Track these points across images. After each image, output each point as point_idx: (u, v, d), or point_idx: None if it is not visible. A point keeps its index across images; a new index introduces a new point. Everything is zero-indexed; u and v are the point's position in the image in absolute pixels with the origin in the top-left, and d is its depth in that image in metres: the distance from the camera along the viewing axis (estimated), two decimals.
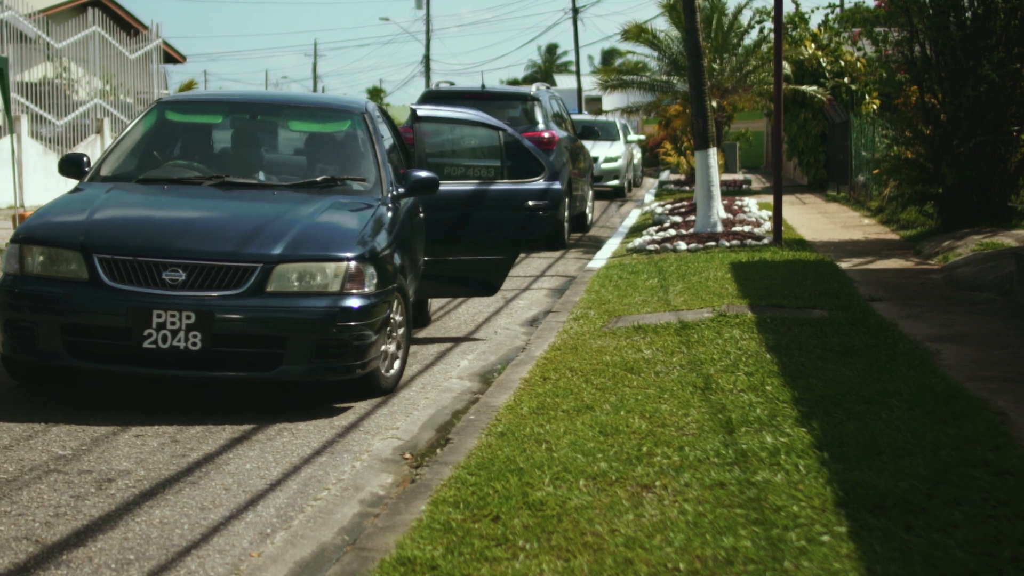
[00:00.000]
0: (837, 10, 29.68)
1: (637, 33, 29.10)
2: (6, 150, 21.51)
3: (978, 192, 14.71)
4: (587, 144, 22.24)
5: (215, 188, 7.63)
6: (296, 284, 6.67)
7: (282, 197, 7.53)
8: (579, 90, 59.64)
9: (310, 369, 6.65)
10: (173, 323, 6.45)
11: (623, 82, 30.32)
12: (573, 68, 68.54)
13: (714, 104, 25.61)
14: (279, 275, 6.63)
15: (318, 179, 7.78)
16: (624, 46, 52.55)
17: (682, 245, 14.51)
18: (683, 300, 10.04)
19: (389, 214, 7.61)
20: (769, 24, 27.83)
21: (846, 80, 27.15)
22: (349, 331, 6.65)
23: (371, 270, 6.85)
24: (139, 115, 8.59)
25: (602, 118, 34.50)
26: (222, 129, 8.61)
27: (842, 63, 27.50)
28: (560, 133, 16.91)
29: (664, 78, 29.59)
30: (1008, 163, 14.57)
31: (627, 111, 32.57)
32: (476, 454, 5.57)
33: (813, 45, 27.87)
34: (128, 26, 30.39)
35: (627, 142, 29.91)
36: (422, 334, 9.58)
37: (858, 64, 26.95)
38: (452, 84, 19.83)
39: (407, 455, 6.10)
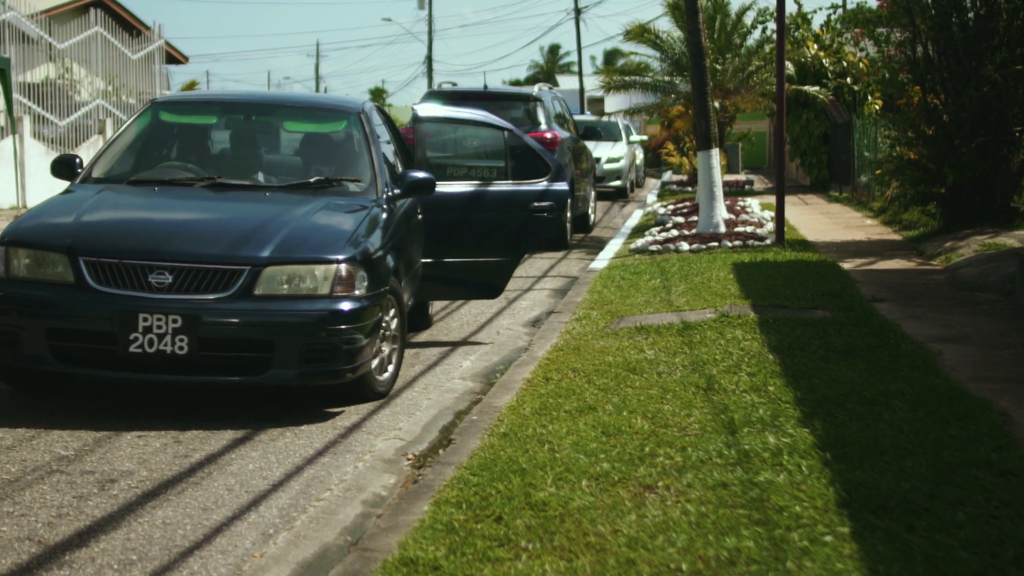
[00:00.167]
0: (839, 11, 29.71)
1: (640, 33, 29.12)
2: (8, 151, 21.53)
3: (981, 193, 14.71)
4: (590, 145, 22.22)
5: (207, 189, 7.54)
6: (285, 287, 6.56)
7: (274, 198, 7.44)
8: (581, 91, 59.62)
9: (299, 374, 6.55)
10: (159, 327, 6.35)
11: (625, 83, 30.32)
12: (575, 69, 68.56)
13: (717, 105, 25.61)
14: (267, 278, 6.53)
15: (311, 180, 7.68)
16: (627, 47, 52.64)
17: (684, 246, 14.51)
18: (685, 301, 10.04)
19: (384, 215, 7.51)
20: (772, 25, 27.87)
21: (848, 80, 27.16)
22: (339, 335, 6.54)
23: (362, 272, 6.75)
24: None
25: (604, 119, 34.51)
26: (216, 130, 8.49)
27: (844, 63, 27.50)
28: (563, 134, 16.92)
29: (667, 78, 29.60)
30: (1011, 163, 14.56)
31: (630, 112, 32.57)
32: (479, 454, 5.57)
33: (815, 46, 27.87)
34: (130, 27, 30.39)
35: (630, 143, 29.91)
36: (424, 335, 9.58)
37: (860, 64, 26.95)
38: (455, 85, 19.87)
39: (409, 455, 6.10)
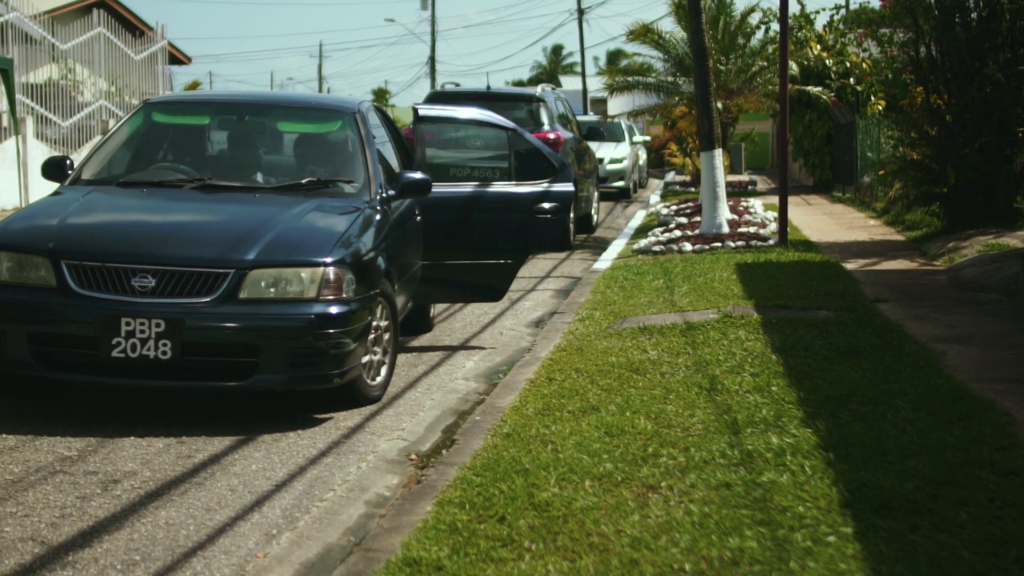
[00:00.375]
0: (842, 11, 29.67)
1: (643, 33, 29.09)
2: (11, 151, 21.56)
3: (984, 193, 14.70)
4: (592, 145, 22.22)
5: (196, 191, 7.44)
6: (271, 291, 6.46)
7: (264, 200, 7.32)
8: (584, 91, 59.61)
9: (286, 378, 6.44)
10: (142, 331, 6.25)
11: (629, 83, 30.30)
12: (578, 69, 68.60)
13: (720, 105, 25.60)
14: (252, 281, 6.42)
15: (303, 181, 7.59)
16: (630, 47, 52.61)
17: (687, 246, 14.50)
18: (689, 301, 10.04)
19: (377, 217, 7.41)
20: (775, 25, 27.84)
21: (851, 81, 27.13)
22: (326, 339, 6.43)
23: (350, 276, 6.62)
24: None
25: (608, 120, 34.48)
26: (209, 130, 8.38)
27: (847, 64, 27.48)
28: (566, 134, 16.92)
29: (670, 79, 29.57)
30: (1014, 164, 14.54)
31: (633, 113, 32.55)
32: (482, 455, 5.57)
33: (819, 46, 27.85)
34: (133, 27, 30.43)
35: (632, 143, 29.90)
36: (426, 335, 9.58)
37: (863, 65, 26.93)
38: (458, 85, 19.85)
39: (413, 456, 6.10)
